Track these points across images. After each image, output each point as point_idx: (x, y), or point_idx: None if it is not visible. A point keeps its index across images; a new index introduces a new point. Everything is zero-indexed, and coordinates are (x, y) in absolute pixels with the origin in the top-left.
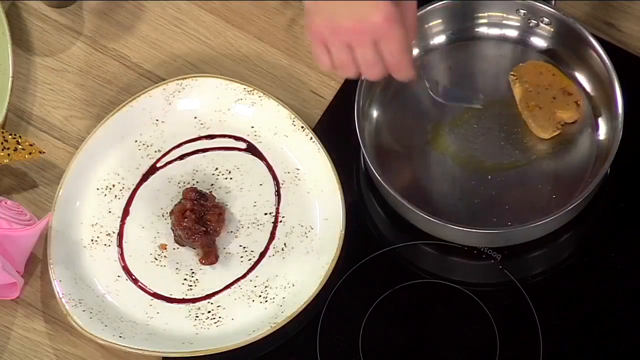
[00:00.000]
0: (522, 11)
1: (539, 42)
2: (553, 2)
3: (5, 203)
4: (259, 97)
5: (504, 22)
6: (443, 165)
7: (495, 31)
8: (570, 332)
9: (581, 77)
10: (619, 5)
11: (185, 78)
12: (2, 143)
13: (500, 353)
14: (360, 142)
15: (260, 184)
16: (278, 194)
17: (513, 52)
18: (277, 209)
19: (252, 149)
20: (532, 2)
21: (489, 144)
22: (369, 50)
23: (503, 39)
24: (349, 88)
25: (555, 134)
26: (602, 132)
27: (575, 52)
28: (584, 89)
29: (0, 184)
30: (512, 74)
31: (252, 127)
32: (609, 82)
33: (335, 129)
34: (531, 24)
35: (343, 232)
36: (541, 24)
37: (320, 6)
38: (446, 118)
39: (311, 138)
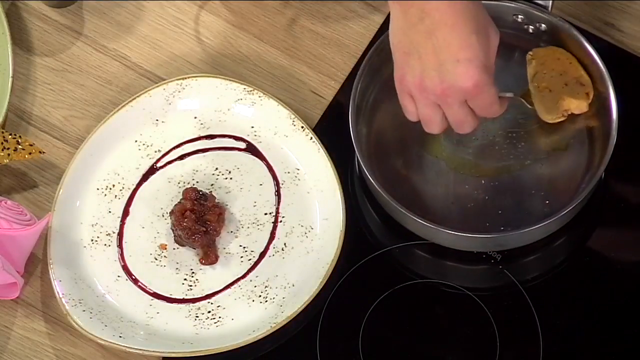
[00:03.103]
0: (520, 17)
1: (531, 46)
2: (550, 8)
3: (5, 203)
4: (259, 97)
5: (500, 28)
6: (437, 169)
7: None
8: (570, 332)
9: None
10: (619, 5)
11: (185, 78)
12: (2, 143)
13: (500, 353)
14: (354, 146)
15: (260, 184)
16: (278, 194)
17: (509, 58)
18: (277, 209)
19: (252, 149)
20: (528, 7)
21: (483, 148)
22: (458, 109)
23: (500, 44)
24: (348, 88)
25: (559, 120)
26: (597, 137)
27: None
28: None
29: (0, 184)
30: (530, 54)
31: (252, 127)
32: (605, 86)
33: (335, 129)
34: (526, 28)
35: (343, 232)
36: (537, 29)
37: (410, 63)
38: None
39: (311, 138)
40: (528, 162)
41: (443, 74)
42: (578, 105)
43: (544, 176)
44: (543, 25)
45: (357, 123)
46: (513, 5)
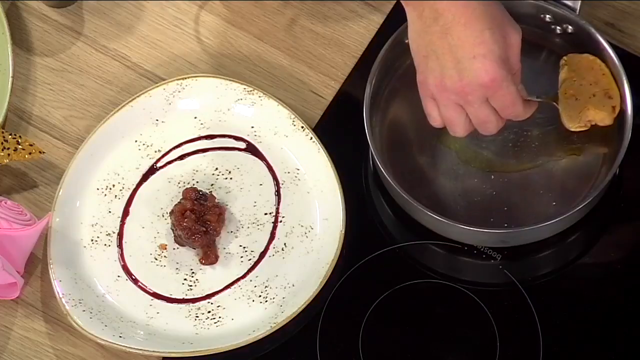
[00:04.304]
0: (548, 16)
1: (556, 47)
2: (577, 10)
3: (5, 203)
4: (259, 97)
5: (528, 26)
6: (448, 160)
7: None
8: (570, 333)
9: None
10: (619, 5)
11: (185, 78)
12: (2, 143)
13: (500, 353)
14: (368, 138)
15: (260, 184)
16: (278, 194)
17: (536, 57)
18: (277, 209)
19: (252, 149)
20: (556, 7)
21: (497, 144)
22: (479, 108)
23: (526, 43)
24: (349, 88)
25: (581, 129)
26: (610, 143)
27: None
28: None
29: (0, 184)
30: (564, 59)
31: (252, 127)
32: (622, 88)
33: (335, 129)
34: (554, 29)
35: (343, 232)
36: (564, 31)
37: (429, 65)
38: None
39: (311, 138)
40: (540, 162)
41: (461, 72)
42: (602, 118)
43: (554, 177)
44: (570, 27)
45: (371, 116)
46: (542, 4)
